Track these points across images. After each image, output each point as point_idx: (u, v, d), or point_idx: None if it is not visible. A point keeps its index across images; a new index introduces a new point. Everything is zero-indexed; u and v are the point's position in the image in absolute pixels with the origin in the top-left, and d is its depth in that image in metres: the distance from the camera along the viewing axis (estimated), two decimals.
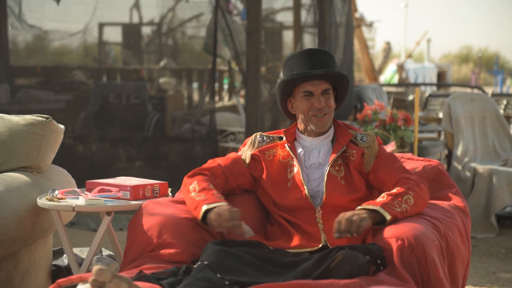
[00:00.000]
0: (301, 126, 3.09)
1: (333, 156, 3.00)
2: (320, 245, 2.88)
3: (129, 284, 2.21)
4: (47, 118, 3.54)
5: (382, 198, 2.83)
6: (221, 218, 2.76)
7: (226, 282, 2.40)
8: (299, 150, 3.06)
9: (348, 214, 2.73)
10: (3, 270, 3.22)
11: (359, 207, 2.80)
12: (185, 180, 3.03)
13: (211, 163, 3.09)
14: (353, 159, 3.01)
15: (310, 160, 3.04)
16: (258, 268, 2.56)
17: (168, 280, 2.48)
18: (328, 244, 2.87)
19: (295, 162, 3.02)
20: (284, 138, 3.11)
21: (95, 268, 2.20)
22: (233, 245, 2.69)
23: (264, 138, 3.14)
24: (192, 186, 2.95)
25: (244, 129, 7.00)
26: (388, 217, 2.76)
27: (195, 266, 2.61)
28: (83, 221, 6.09)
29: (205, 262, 2.51)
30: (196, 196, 2.89)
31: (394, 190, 2.87)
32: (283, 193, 3.00)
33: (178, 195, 3.14)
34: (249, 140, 3.16)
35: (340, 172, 2.99)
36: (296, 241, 2.90)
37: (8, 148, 3.47)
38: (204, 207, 2.83)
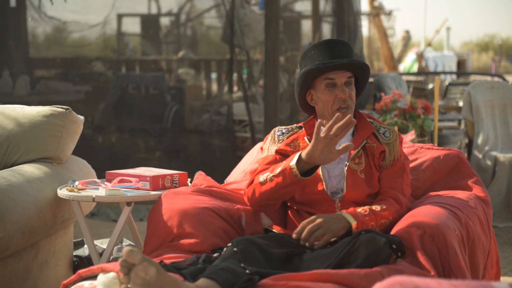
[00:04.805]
0: (321, 118, 3.03)
1: (353, 151, 2.95)
2: None
3: (157, 268, 2.22)
4: (66, 109, 3.55)
5: (364, 211, 2.79)
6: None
7: (247, 271, 2.40)
8: None
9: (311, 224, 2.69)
10: (22, 261, 3.24)
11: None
12: (247, 190, 2.98)
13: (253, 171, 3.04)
14: (374, 153, 2.98)
15: None
16: (280, 264, 2.55)
17: (189, 269, 2.48)
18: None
19: None
20: (303, 129, 3.06)
21: (126, 249, 2.20)
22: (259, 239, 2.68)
23: (283, 131, 3.09)
24: (262, 177, 2.89)
25: (263, 119, 7.00)
26: (354, 223, 2.73)
27: (215, 255, 2.61)
28: (103, 212, 6.12)
29: (235, 249, 2.51)
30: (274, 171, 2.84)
31: (379, 208, 2.82)
32: (301, 187, 2.95)
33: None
34: (268, 137, 3.11)
35: (360, 165, 2.95)
36: None
37: (28, 139, 3.49)
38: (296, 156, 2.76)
